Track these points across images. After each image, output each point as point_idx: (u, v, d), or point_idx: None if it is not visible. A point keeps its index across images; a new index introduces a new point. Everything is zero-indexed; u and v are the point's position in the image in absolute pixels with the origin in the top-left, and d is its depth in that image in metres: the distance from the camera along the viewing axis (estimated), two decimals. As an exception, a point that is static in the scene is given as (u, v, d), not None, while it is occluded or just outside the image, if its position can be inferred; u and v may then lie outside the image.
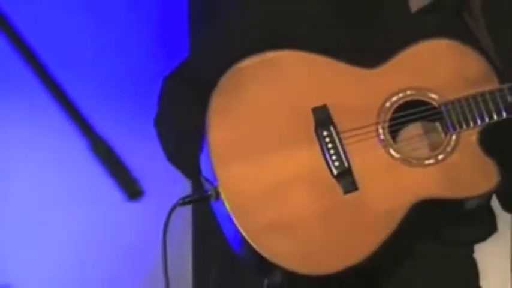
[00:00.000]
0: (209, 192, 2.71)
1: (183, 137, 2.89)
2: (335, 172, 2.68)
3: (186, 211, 3.99)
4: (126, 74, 4.09)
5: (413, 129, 2.84)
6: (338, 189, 2.73)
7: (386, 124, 2.74)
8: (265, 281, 2.94)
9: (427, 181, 2.80)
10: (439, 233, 2.90)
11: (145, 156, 3.03)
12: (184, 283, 4.44)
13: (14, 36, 2.02)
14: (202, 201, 2.81)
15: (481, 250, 3.29)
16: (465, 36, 2.84)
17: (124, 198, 1.92)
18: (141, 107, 3.77)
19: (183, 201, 2.78)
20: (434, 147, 2.77)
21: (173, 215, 2.84)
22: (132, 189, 1.99)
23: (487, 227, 3.02)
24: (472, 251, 2.96)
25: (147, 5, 5.30)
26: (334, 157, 2.72)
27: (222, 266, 3.54)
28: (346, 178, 2.73)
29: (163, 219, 2.85)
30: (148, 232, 3.14)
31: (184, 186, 3.03)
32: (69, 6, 4.87)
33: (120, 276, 4.51)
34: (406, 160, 2.75)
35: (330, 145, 2.71)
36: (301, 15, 2.84)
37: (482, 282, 3.25)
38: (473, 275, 3.05)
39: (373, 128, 2.74)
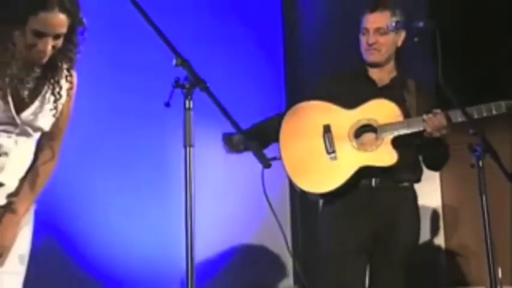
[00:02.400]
0: (278, 158, 3.41)
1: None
2: (329, 151, 3.46)
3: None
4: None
5: (369, 135, 3.49)
6: (328, 158, 3.47)
7: (353, 133, 3.47)
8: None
9: (366, 158, 3.44)
10: (391, 176, 3.46)
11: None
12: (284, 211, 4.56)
13: (207, 88, 2.45)
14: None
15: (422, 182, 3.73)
16: (400, 99, 3.54)
17: (262, 166, 2.47)
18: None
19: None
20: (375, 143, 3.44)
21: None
22: (266, 162, 2.55)
23: (418, 175, 3.61)
24: (412, 185, 3.58)
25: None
26: (328, 145, 3.47)
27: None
28: (332, 154, 3.46)
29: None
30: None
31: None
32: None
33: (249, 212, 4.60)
34: (359, 149, 3.45)
35: (327, 141, 3.48)
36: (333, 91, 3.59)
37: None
38: (413, 197, 3.61)
39: (347, 134, 3.48)
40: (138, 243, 4.14)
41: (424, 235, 5.13)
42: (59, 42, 2.48)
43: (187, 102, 2.42)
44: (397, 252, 3.43)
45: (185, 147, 2.41)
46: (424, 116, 3.29)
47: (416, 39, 3.19)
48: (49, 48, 2.45)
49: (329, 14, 5.16)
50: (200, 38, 4.38)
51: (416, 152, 3.49)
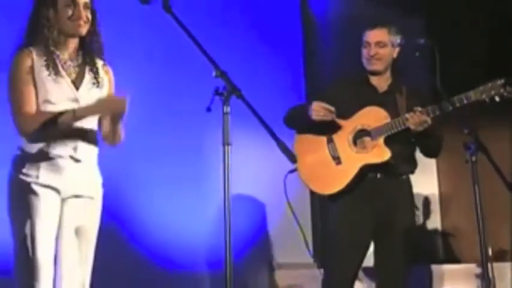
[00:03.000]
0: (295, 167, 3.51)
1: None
2: (334, 158, 3.55)
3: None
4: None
5: (366, 138, 3.55)
6: (334, 163, 3.55)
7: (352, 139, 3.56)
8: None
9: (365, 157, 3.52)
10: (392, 170, 3.54)
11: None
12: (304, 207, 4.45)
13: (241, 96, 2.48)
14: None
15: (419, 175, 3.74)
16: (392, 104, 3.62)
17: (290, 161, 2.46)
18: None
19: (289, 172, 3.53)
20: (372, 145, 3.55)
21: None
22: (293, 158, 2.53)
23: (413, 167, 3.68)
24: (408, 177, 3.65)
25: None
26: (333, 153, 3.58)
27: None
28: (336, 160, 3.55)
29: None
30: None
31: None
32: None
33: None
34: (358, 151, 3.55)
35: (331, 149, 3.58)
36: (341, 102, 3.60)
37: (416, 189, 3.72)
38: (409, 188, 3.67)
39: (347, 141, 3.57)
40: (181, 226, 4.25)
41: (424, 219, 5.30)
42: (89, 14, 2.82)
43: (225, 107, 2.51)
44: (398, 233, 3.51)
45: (223, 145, 2.50)
46: (407, 115, 3.45)
47: (417, 53, 3.31)
48: (83, 16, 2.79)
49: (345, 24, 5.24)
50: (231, 48, 4.43)
51: (412, 147, 3.61)
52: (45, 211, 2.71)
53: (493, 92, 3.35)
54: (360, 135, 3.58)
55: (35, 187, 2.69)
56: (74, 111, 2.72)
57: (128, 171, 3.90)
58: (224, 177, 2.46)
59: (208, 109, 2.47)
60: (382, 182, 3.56)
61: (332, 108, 3.51)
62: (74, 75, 2.79)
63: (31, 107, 2.71)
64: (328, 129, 3.62)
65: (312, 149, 3.63)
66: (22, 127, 2.71)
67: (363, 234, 3.54)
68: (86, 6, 2.80)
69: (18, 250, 2.70)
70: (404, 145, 3.54)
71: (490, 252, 3.27)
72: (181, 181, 4.36)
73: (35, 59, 2.74)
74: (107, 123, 2.90)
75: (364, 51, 3.65)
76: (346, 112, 3.61)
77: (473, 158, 3.13)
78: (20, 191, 2.72)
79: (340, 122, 3.62)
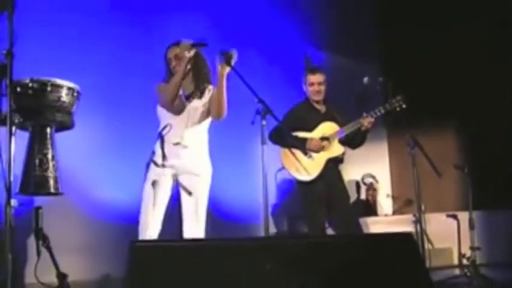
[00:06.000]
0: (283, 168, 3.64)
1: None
2: (308, 156, 3.32)
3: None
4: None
5: (326, 142, 3.45)
6: (310, 160, 3.35)
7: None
8: None
9: (328, 153, 3.43)
10: (338, 161, 3.57)
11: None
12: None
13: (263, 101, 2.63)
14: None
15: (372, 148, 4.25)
16: (333, 119, 3.47)
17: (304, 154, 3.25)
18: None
19: (278, 170, 4.13)
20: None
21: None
22: (304, 151, 3.15)
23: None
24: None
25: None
26: (307, 153, 3.48)
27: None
28: (310, 158, 3.35)
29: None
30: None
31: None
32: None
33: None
34: (323, 150, 3.43)
35: (307, 152, 3.52)
36: (304, 122, 3.64)
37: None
38: (340, 172, 3.69)
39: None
40: (236, 196, 4.40)
41: (382, 189, 5.63)
42: (186, 55, 2.82)
43: (263, 121, 2.69)
44: (344, 198, 3.51)
45: (262, 144, 2.67)
46: (361, 120, 3.37)
47: (378, 87, 3.50)
48: (182, 62, 2.82)
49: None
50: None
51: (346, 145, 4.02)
52: (163, 181, 2.75)
53: (397, 104, 3.43)
54: (322, 140, 3.55)
55: (159, 167, 2.70)
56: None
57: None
58: (262, 163, 2.61)
59: (252, 122, 2.62)
60: (331, 168, 3.53)
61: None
62: (187, 93, 2.83)
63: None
64: (301, 141, 3.72)
65: (294, 153, 3.42)
66: (168, 104, 2.71)
67: (324, 199, 3.39)
68: (177, 57, 2.78)
69: (142, 207, 2.74)
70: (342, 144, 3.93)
71: (422, 207, 3.43)
72: (237, 165, 4.33)
73: None
74: (213, 99, 2.76)
75: (311, 88, 3.58)
76: (305, 127, 3.60)
77: (412, 151, 3.40)
78: (151, 169, 2.75)
79: (308, 133, 3.57)
